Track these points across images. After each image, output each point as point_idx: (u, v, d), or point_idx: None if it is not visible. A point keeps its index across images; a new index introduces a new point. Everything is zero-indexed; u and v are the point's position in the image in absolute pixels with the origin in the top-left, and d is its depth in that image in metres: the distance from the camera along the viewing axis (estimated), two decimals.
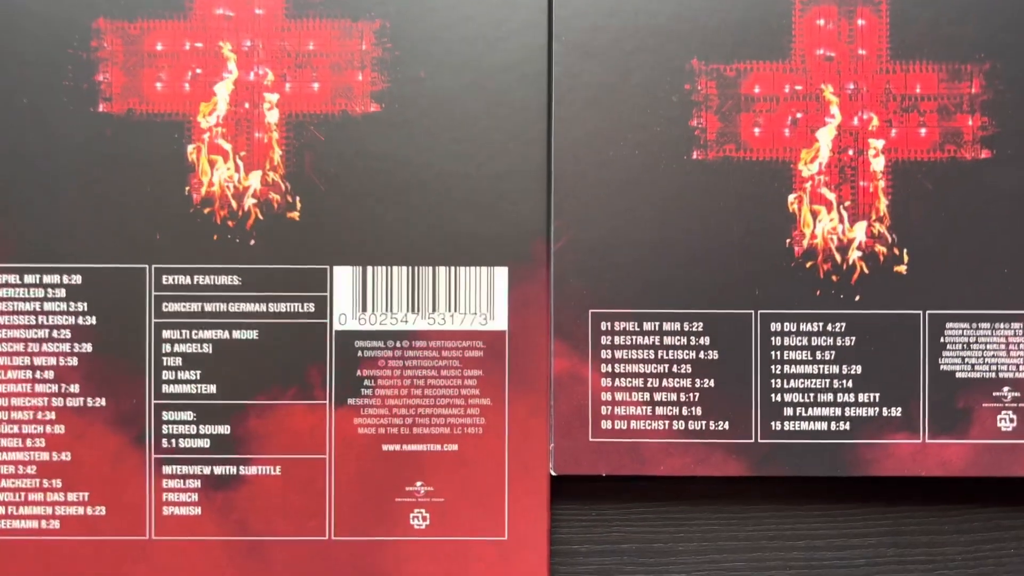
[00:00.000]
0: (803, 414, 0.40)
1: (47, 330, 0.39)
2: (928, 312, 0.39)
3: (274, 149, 0.39)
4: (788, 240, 0.40)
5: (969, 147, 0.40)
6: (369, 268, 0.39)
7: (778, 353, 0.40)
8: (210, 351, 0.39)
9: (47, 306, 0.39)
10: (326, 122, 0.39)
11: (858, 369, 0.40)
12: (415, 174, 0.39)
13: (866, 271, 0.40)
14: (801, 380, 0.40)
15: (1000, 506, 0.41)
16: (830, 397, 0.40)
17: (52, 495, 0.39)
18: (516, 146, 0.39)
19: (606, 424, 0.40)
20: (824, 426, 0.40)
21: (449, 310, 0.40)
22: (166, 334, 0.39)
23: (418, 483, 0.40)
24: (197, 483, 0.39)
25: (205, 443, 0.39)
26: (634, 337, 0.40)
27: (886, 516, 0.42)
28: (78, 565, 0.39)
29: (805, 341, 0.40)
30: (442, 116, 0.39)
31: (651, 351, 0.40)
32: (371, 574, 0.39)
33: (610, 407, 0.40)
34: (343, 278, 0.39)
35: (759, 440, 0.40)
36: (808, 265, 0.40)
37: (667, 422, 0.40)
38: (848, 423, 0.40)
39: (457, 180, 0.39)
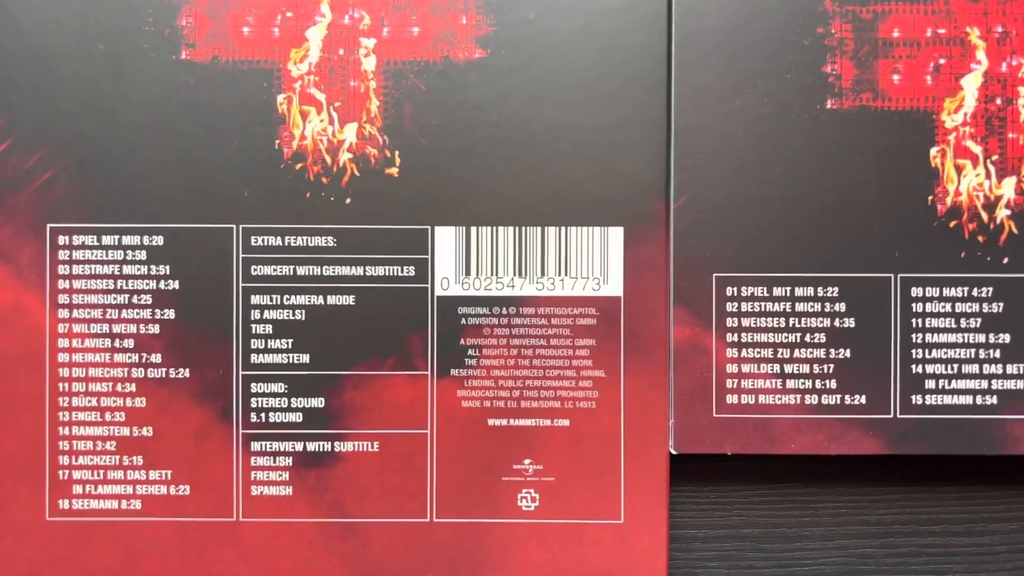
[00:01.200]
0: (946, 387, 0.36)
1: (127, 295, 0.37)
2: None
3: (371, 99, 0.36)
4: (930, 197, 0.36)
5: None
6: (473, 229, 0.36)
7: (919, 320, 0.36)
8: (303, 318, 0.36)
9: (126, 269, 0.36)
10: (427, 69, 0.36)
11: (1006, 338, 0.36)
12: (523, 126, 0.36)
13: (1015, 231, 0.36)
14: (944, 350, 0.36)
15: None
16: (976, 368, 0.36)
17: (133, 473, 0.37)
18: (633, 94, 0.36)
19: (732, 399, 0.36)
20: (969, 400, 0.36)
21: (559, 274, 0.36)
22: (255, 300, 0.36)
23: (526, 461, 0.36)
24: (288, 460, 0.37)
25: (297, 417, 0.37)
26: (763, 303, 0.36)
27: None
28: (160, 548, 0.36)
29: (949, 307, 0.36)
30: (552, 62, 0.36)
31: (781, 319, 0.36)
32: (475, 559, 0.36)
33: (736, 380, 0.36)
34: (445, 239, 0.36)
35: (898, 415, 0.36)
36: (952, 224, 0.36)
37: (799, 396, 0.36)
38: (995, 397, 0.36)
39: (568, 132, 0.36)
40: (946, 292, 0.36)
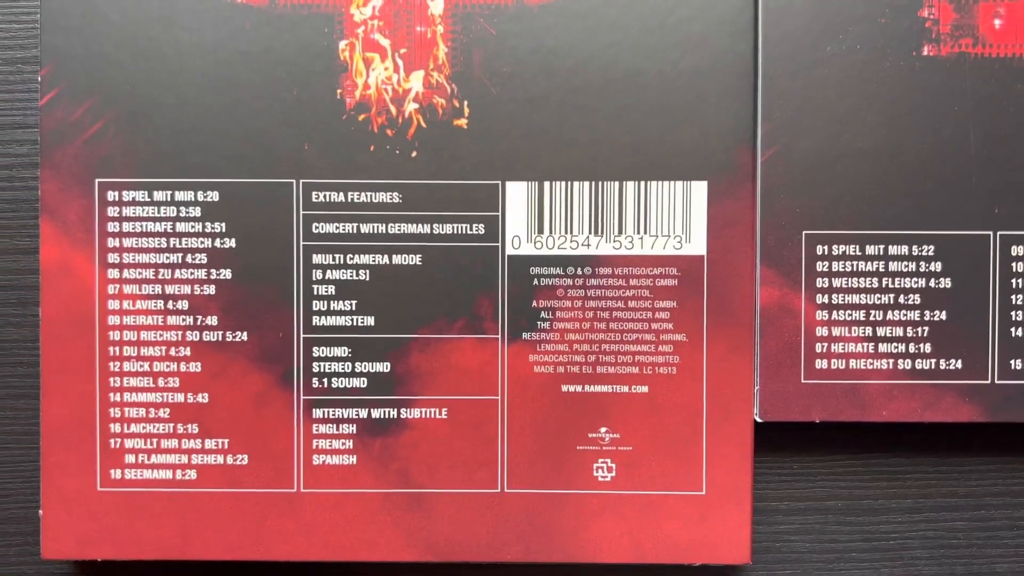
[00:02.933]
0: None
1: (180, 254, 0.35)
2: None
3: (438, 45, 0.34)
4: None
5: None
6: (547, 184, 0.34)
7: (1019, 281, 0.34)
8: (367, 278, 0.34)
9: (180, 227, 0.34)
10: (498, 13, 0.34)
11: None
12: (599, 73, 0.34)
13: None
14: None
15: None
16: None
17: (188, 442, 0.35)
18: (718, 39, 0.34)
19: (821, 363, 0.34)
20: None
21: (638, 232, 0.34)
22: (316, 259, 0.34)
23: (603, 429, 0.35)
24: (352, 428, 0.35)
25: (361, 383, 0.35)
26: (855, 263, 0.34)
27: None
28: (217, 520, 0.35)
29: None
30: (631, 4, 0.34)
31: (874, 279, 0.34)
32: (549, 532, 0.35)
33: (826, 344, 0.34)
34: (517, 195, 0.34)
35: (996, 381, 0.34)
36: None
37: (891, 361, 0.34)
38: None
39: (649, 79, 0.34)
40: None
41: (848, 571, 0.36)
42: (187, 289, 0.35)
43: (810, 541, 0.36)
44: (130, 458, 0.35)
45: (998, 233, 0.34)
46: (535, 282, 0.34)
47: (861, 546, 0.36)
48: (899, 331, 0.34)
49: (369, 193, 0.34)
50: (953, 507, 0.36)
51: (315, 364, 0.35)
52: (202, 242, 0.34)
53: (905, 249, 0.34)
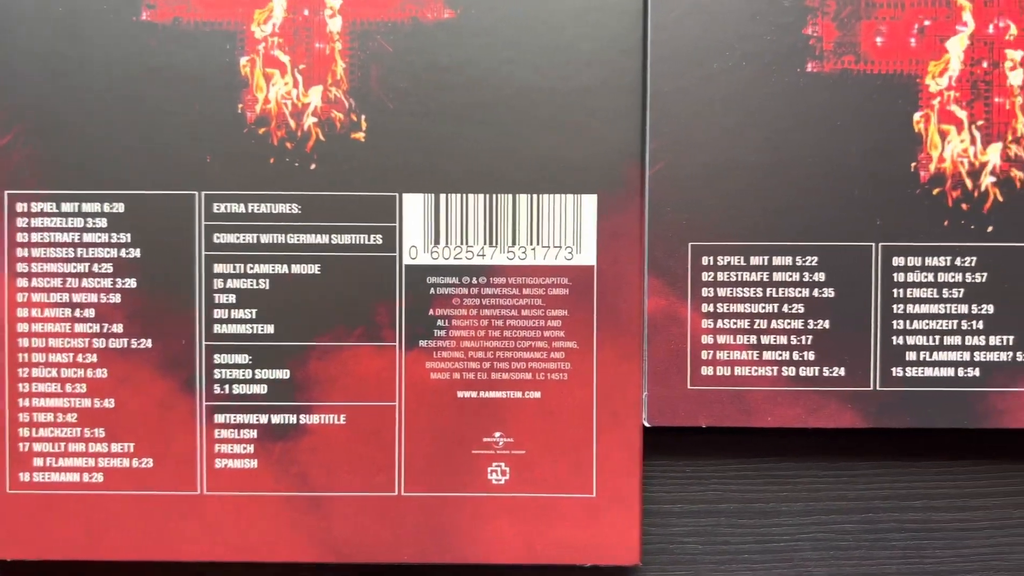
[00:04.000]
0: (928, 359, 0.35)
1: (87, 264, 0.36)
2: None
3: (337, 62, 0.35)
4: (913, 164, 0.35)
5: None
6: (443, 196, 0.35)
7: (901, 291, 0.35)
8: (267, 287, 0.36)
9: (87, 237, 0.36)
10: (395, 30, 0.35)
11: (990, 309, 0.35)
12: (494, 89, 0.35)
13: (1000, 199, 0.35)
14: (926, 321, 0.35)
15: None
16: (958, 340, 0.35)
17: (95, 446, 0.36)
18: (608, 57, 0.35)
19: (707, 370, 0.36)
20: (951, 372, 0.35)
21: (531, 243, 0.35)
22: (218, 268, 0.35)
23: (497, 434, 0.36)
24: (253, 433, 0.36)
25: (262, 389, 0.36)
26: (740, 273, 0.35)
27: (1012, 473, 0.37)
28: (123, 521, 0.36)
29: (931, 277, 0.35)
30: (524, 22, 0.35)
31: (759, 289, 0.35)
32: (444, 533, 0.36)
33: (712, 351, 0.36)
34: (414, 207, 0.35)
35: (878, 388, 0.35)
36: (935, 192, 0.35)
37: (776, 368, 0.36)
38: (978, 369, 0.35)
39: (541, 96, 0.35)
40: (928, 261, 0.35)
41: (740, 573, 0.37)
42: (93, 298, 0.36)
43: (703, 543, 0.37)
44: (38, 461, 0.36)
45: (880, 244, 0.35)
46: (432, 291, 0.35)
47: (753, 548, 0.37)
48: (783, 339, 0.35)
49: (269, 204, 0.35)
50: (843, 510, 0.37)
51: (217, 371, 0.36)
52: (108, 252, 0.36)
53: (789, 260, 0.35)
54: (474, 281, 0.35)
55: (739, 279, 0.35)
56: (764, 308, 0.35)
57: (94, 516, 0.36)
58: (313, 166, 0.35)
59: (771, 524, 0.37)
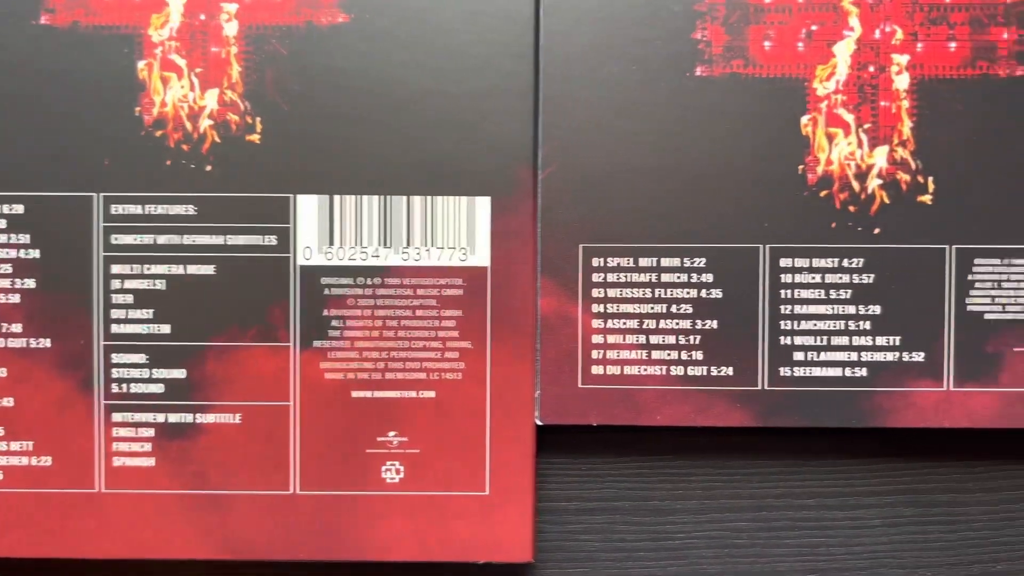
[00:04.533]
0: (815, 359, 0.36)
1: None
2: (955, 247, 0.36)
3: (232, 65, 0.36)
4: (801, 167, 0.36)
5: (1004, 63, 0.36)
6: (336, 197, 0.36)
7: (788, 292, 0.36)
8: (163, 288, 0.36)
9: None
10: (290, 34, 0.36)
11: (877, 310, 0.36)
12: (387, 92, 0.36)
13: (887, 201, 0.36)
14: (813, 322, 0.36)
15: None
16: (845, 340, 0.36)
17: None
18: (500, 61, 0.36)
19: (597, 369, 0.36)
20: (838, 372, 0.36)
21: (425, 244, 0.36)
22: (115, 269, 0.36)
23: (391, 433, 0.36)
24: (150, 432, 0.36)
25: (159, 388, 0.36)
26: (629, 274, 0.36)
27: (905, 472, 0.38)
28: (22, 519, 0.36)
29: (818, 278, 0.36)
30: (418, 27, 0.36)
31: (648, 290, 0.36)
32: (339, 531, 0.36)
33: (602, 351, 0.36)
34: (308, 208, 0.36)
35: (766, 387, 0.36)
36: (823, 194, 0.36)
37: (665, 367, 0.36)
38: (865, 369, 0.36)
39: (434, 99, 0.36)
40: (816, 263, 0.36)
41: (636, 570, 0.38)
42: None
43: (599, 540, 0.38)
44: None
45: (767, 246, 0.36)
46: (326, 292, 0.36)
47: (648, 545, 0.38)
48: (672, 339, 0.36)
49: (165, 206, 0.36)
50: (736, 508, 0.38)
51: (114, 370, 0.36)
52: (7, 253, 0.36)
53: (677, 261, 0.36)
54: (368, 282, 0.36)
55: (629, 280, 0.36)
56: (653, 308, 0.36)
57: None
58: (209, 168, 0.36)
59: (666, 522, 0.38)
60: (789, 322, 0.36)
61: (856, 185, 0.36)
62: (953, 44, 0.36)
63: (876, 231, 0.36)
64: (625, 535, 0.38)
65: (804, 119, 0.36)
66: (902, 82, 0.36)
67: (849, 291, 0.36)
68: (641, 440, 0.38)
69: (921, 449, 0.38)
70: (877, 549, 0.38)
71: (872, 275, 0.36)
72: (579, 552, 0.38)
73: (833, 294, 0.36)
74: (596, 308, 0.36)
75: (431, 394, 0.36)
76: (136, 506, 0.36)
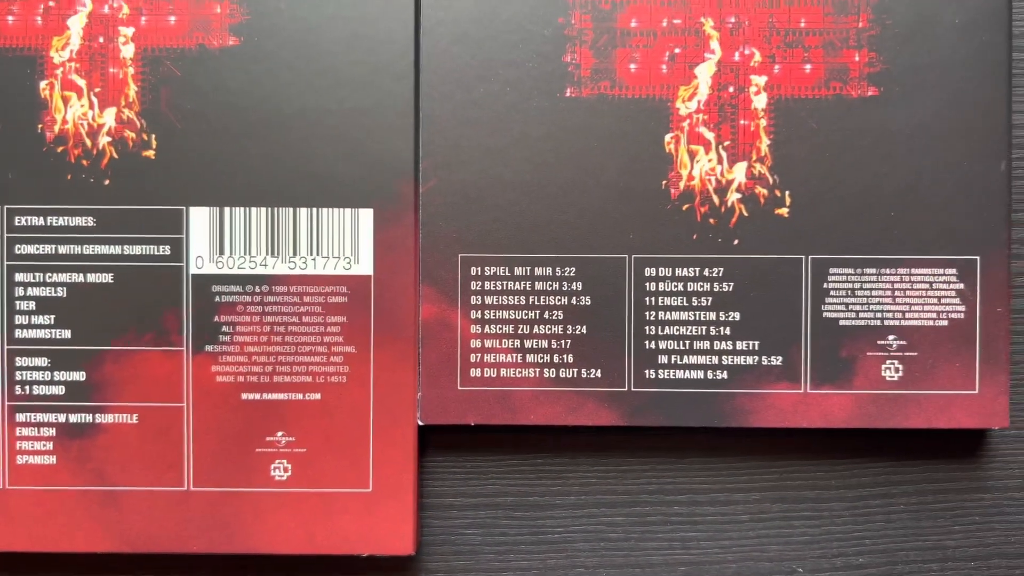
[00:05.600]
0: (678, 362, 0.38)
1: None
2: (810, 257, 0.38)
3: (129, 85, 0.38)
4: (664, 181, 0.38)
5: (856, 84, 0.38)
6: (227, 209, 0.38)
7: (653, 299, 0.38)
8: (64, 295, 0.38)
9: None
10: (183, 56, 0.38)
11: (736, 316, 0.38)
12: (275, 110, 0.38)
13: (746, 214, 0.38)
14: (676, 327, 0.38)
15: (890, 460, 0.40)
16: (707, 345, 0.38)
17: None
18: (382, 81, 0.38)
19: (475, 372, 0.38)
20: (700, 375, 0.38)
21: (311, 253, 0.38)
22: (19, 277, 0.38)
23: (279, 433, 0.38)
24: (52, 431, 0.38)
25: (60, 390, 0.38)
26: (504, 282, 0.38)
27: (771, 470, 0.40)
28: None
29: (681, 286, 0.38)
30: (303, 49, 0.38)
31: (522, 296, 0.38)
32: (230, 525, 0.38)
33: (480, 355, 0.38)
34: (200, 219, 0.38)
35: (632, 389, 0.38)
36: (685, 208, 0.38)
37: (538, 370, 0.38)
38: (725, 372, 0.38)
39: (319, 116, 0.38)
40: (678, 272, 0.38)
41: (517, 562, 0.40)
42: None
43: (482, 534, 0.40)
44: None
45: (632, 256, 0.38)
46: (217, 299, 0.38)
47: (528, 539, 0.40)
48: (544, 343, 0.38)
49: (66, 217, 0.38)
50: (612, 504, 0.40)
51: (18, 373, 0.38)
52: None
53: (549, 270, 0.38)
54: (257, 289, 0.38)
55: (504, 288, 0.38)
56: (527, 315, 0.38)
57: None
58: (107, 182, 0.38)
59: (545, 516, 0.40)
60: (653, 327, 0.38)
61: (716, 199, 0.38)
62: (808, 66, 0.38)
63: (735, 242, 0.38)
64: (506, 529, 0.40)
65: (667, 137, 0.38)
66: (760, 102, 0.38)
67: (710, 299, 0.38)
68: (522, 439, 0.40)
69: (786, 448, 0.40)
70: (745, 543, 0.40)
71: (731, 283, 0.38)
72: (463, 545, 0.40)
73: (695, 301, 0.38)
74: (474, 314, 0.38)
75: (317, 396, 0.38)
76: (39, 502, 0.38)
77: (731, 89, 0.38)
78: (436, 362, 0.38)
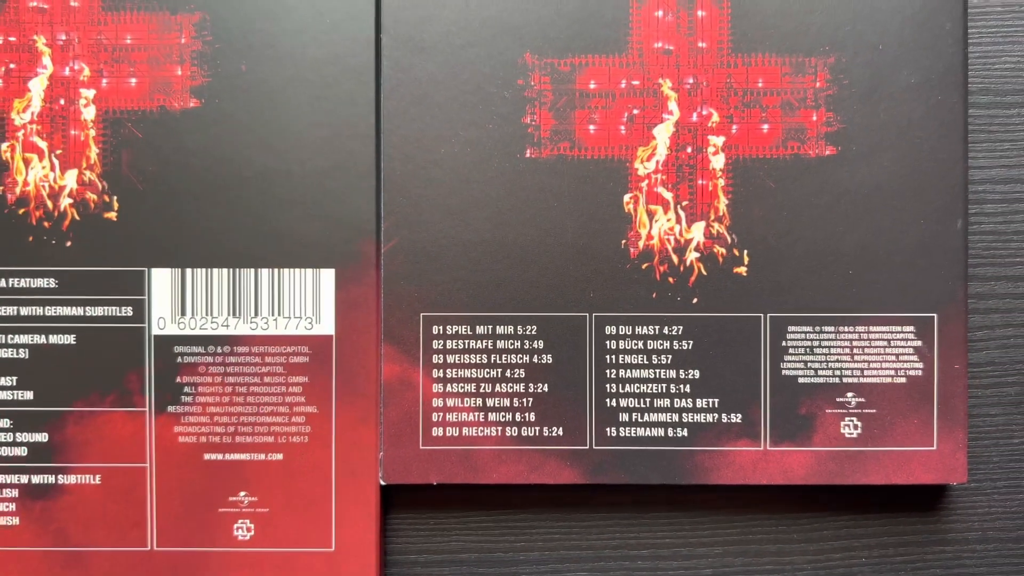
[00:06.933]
0: (639, 420, 0.38)
1: None
2: (769, 315, 0.38)
3: (91, 147, 0.38)
4: (624, 241, 0.38)
5: (813, 143, 0.38)
6: (188, 270, 0.38)
7: (613, 357, 0.38)
8: (26, 356, 0.38)
9: None
10: (144, 118, 0.38)
11: (696, 374, 0.38)
12: (236, 171, 0.38)
13: (704, 273, 0.38)
14: (637, 385, 0.38)
15: (850, 514, 0.40)
16: (667, 403, 0.38)
17: None
18: (343, 142, 0.38)
19: (437, 431, 0.38)
20: (661, 432, 0.38)
21: (273, 314, 0.38)
22: None
23: (242, 493, 0.38)
24: (15, 492, 0.38)
25: (22, 451, 0.38)
26: (467, 341, 0.38)
27: (733, 524, 0.40)
28: None
29: (641, 344, 0.38)
30: (265, 111, 0.38)
31: (484, 355, 0.38)
32: None
33: (441, 413, 0.38)
34: (161, 281, 0.38)
35: (594, 447, 0.38)
36: (644, 267, 0.38)
37: (500, 428, 0.38)
38: (686, 430, 0.38)
39: (280, 177, 0.38)
40: (638, 330, 0.38)
41: None
42: None
43: None
44: None
45: (593, 314, 0.38)
46: (179, 359, 0.38)
47: None
48: (506, 402, 0.38)
49: (28, 279, 0.38)
50: (576, 559, 0.40)
51: None
52: None
53: (511, 329, 0.38)
54: (219, 350, 0.38)
55: (466, 346, 0.38)
56: (489, 373, 0.38)
57: None
58: (69, 243, 0.38)
59: (510, 572, 0.40)
60: (614, 385, 0.38)
61: (675, 258, 0.38)
62: (766, 126, 0.38)
63: (694, 300, 0.38)
64: None
65: (627, 197, 0.38)
66: (718, 162, 0.38)
67: (670, 356, 0.38)
68: (485, 496, 0.40)
69: (748, 503, 0.40)
70: None
71: (691, 341, 0.38)
72: None
73: (655, 359, 0.38)
74: (436, 373, 0.38)
75: (279, 456, 0.38)
76: (1, 563, 0.38)
77: (689, 149, 0.38)
78: (398, 421, 0.38)
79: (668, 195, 0.38)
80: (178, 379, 0.38)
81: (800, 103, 0.38)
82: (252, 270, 0.38)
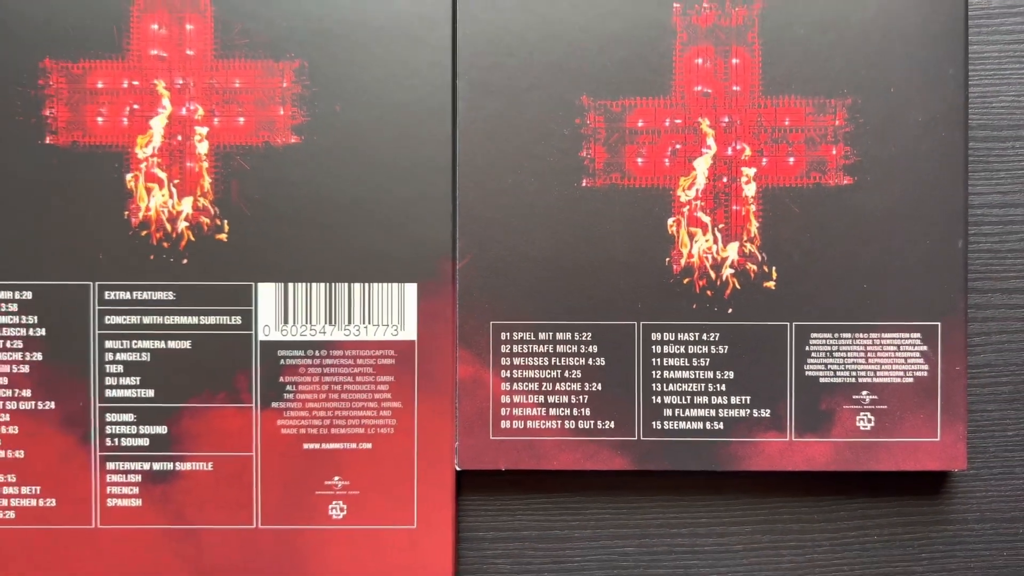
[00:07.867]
0: (681, 415, 0.44)
1: (1, 340, 0.44)
2: (794, 323, 0.44)
3: (204, 177, 0.44)
4: (667, 259, 0.44)
5: (833, 174, 0.44)
6: (290, 284, 0.44)
7: (658, 360, 0.44)
8: (148, 359, 0.44)
9: (0, 319, 0.44)
10: (251, 152, 0.44)
11: (731, 375, 0.44)
12: (331, 199, 0.44)
13: (738, 287, 0.44)
14: (679, 384, 0.44)
15: (864, 497, 0.46)
16: (705, 399, 0.44)
17: (7, 489, 0.44)
18: (424, 173, 0.44)
19: (505, 424, 0.44)
20: (700, 425, 0.44)
21: (363, 322, 0.44)
22: (109, 344, 0.44)
23: (336, 478, 0.44)
24: (138, 477, 0.44)
25: (144, 442, 0.44)
26: (530, 345, 0.44)
27: (762, 506, 0.46)
28: (32, 551, 0.44)
29: (683, 349, 0.44)
30: (356, 146, 0.44)
31: (545, 358, 0.44)
32: (293, 559, 0.44)
33: (509, 408, 0.44)
34: (267, 294, 0.44)
35: (641, 438, 0.44)
36: (685, 281, 0.44)
37: (560, 422, 0.44)
38: (722, 423, 0.44)
39: (370, 204, 0.44)
40: (680, 336, 0.44)
41: None
42: (6, 368, 0.44)
43: (510, 564, 0.46)
44: None
45: (641, 323, 0.44)
46: (282, 362, 0.44)
47: (551, 567, 0.46)
48: (565, 398, 0.44)
49: (150, 292, 0.44)
50: (623, 536, 0.46)
51: (108, 427, 0.44)
52: (18, 331, 0.44)
53: (569, 335, 0.44)
54: (316, 354, 0.44)
55: (530, 351, 0.44)
56: (550, 374, 0.44)
57: (6, 548, 0.44)
58: (185, 261, 0.44)
59: (565, 548, 0.46)
60: (659, 384, 0.44)
61: (713, 274, 0.44)
62: (792, 159, 0.44)
63: (729, 311, 0.44)
64: (532, 560, 0.46)
65: (670, 220, 0.44)
66: (750, 190, 0.44)
67: (708, 359, 0.44)
68: (546, 481, 0.46)
69: (775, 488, 0.46)
70: (739, 570, 0.46)
71: (726, 346, 0.44)
72: (495, 574, 0.46)
73: (695, 362, 0.44)
74: (504, 373, 0.44)
75: (368, 445, 0.44)
76: (126, 539, 0.44)
77: (725, 179, 0.44)
78: (471, 415, 0.44)
79: (706, 219, 0.44)
80: (281, 379, 0.44)
81: (822, 139, 0.44)
82: (346, 284, 0.44)
